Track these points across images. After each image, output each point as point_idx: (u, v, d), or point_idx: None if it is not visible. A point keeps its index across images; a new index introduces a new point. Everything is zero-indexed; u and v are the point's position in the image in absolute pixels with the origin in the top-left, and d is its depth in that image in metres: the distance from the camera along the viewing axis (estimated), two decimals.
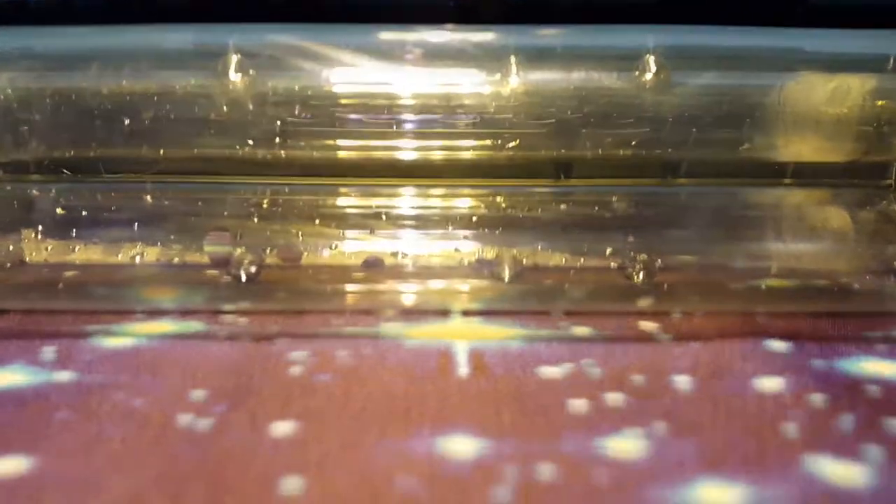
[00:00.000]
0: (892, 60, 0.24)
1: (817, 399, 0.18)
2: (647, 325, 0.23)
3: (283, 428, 0.16)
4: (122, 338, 0.21)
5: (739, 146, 0.24)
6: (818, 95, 0.24)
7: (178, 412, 0.17)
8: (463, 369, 0.19)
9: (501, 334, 0.22)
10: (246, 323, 0.23)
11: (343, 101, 0.24)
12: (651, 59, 0.23)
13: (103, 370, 0.19)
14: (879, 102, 0.24)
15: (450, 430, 0.16)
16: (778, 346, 0.21)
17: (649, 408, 0.17)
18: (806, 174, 0.25)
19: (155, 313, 0.23)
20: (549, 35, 0.25)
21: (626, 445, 0.16)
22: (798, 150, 0.24)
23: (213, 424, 0.16)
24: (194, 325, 0.22)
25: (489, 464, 0.15)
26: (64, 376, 0.19)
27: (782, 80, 0.24)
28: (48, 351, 0.20)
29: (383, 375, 0.19)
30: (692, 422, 0.16)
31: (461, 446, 0.15)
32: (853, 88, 0.24)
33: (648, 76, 0.23)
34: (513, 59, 0.23)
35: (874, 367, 0.20)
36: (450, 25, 0.24)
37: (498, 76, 0.23)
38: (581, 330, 0.22)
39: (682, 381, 0.19)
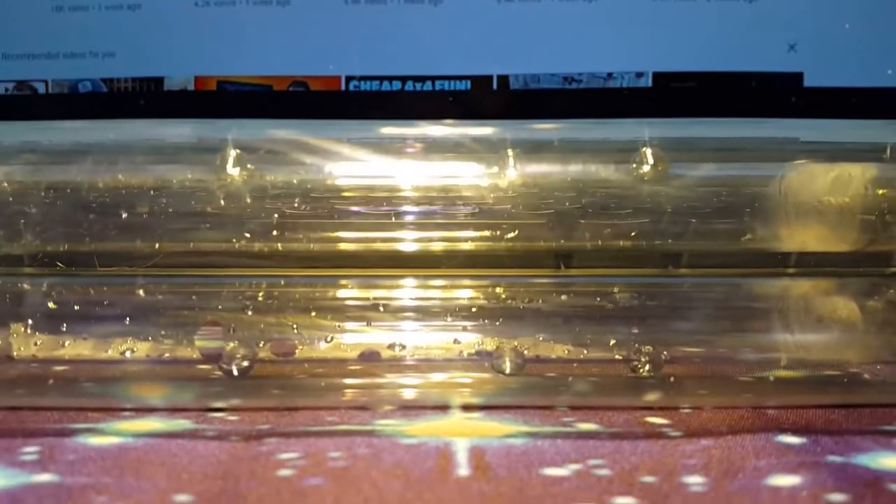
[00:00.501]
0: (888, 150, 0.24)
1: (837, 499, 0.17)
2: (656, 420, 0.22)
3: None
4: (108, 437, 0.21)
5: (741, 237, 0.24)
6: (819, 185, 0.24)
7: None
8: (463, 470, 0.18)
9: (503, 431, 0.21)
10: (236, 420, 0.22)
11: (343, 194, 0.24)
12: (648, 151, 0.23)
13: (86, 472, 0.18)
14: (881, 191, 0.24)
15: None
16: (791, 440, 0.20)
17: None
18: (810, 264, 0.25)
19: (143, 411, 0.23)
20: (545, 129, 0.25)
21: None
22: (801, 240, 0.24)
23: None
24: (182, 423, 0.22)
25: None
26: (44, 478, 0.18)
27: (782, 171, 0.24)
28: (30, 451, 0.19)
29: (378, 478, 0.18)
30: None
31: None
32: (854, 178, 0.24)
33: (646, 168, 0.23)
34: (510, 151, 0.24)
35: (894, 463, 0.19)
36: (449, 120, 0.25)
37: (496, 168, 0.24)
38: (587, 426, 0.22)
39: (695, 482, 0.18)
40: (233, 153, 0.23)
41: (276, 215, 0.24)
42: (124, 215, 0.24)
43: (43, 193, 0.24)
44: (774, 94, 0.34)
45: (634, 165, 0.23)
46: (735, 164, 0.25)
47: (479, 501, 0.17)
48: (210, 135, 0.24)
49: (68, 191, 0.24)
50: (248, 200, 0.24)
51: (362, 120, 0.25)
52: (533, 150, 0.24)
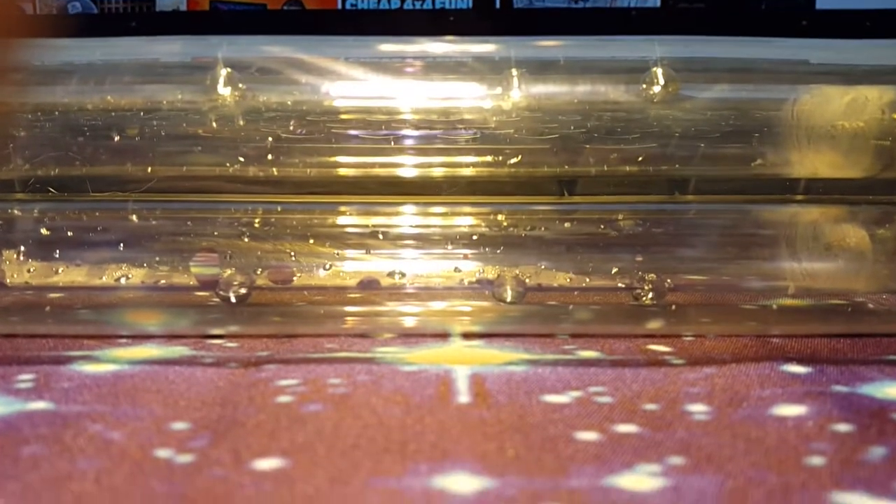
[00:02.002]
0: None
1: (843, 429, 0.17)
2: (658, 348, 0.22)
3: (268, 464, 0.15)
4: (104, 364, 0.20)
5: (751, 162, 0.23)
6: (833, 109, 0.23)
7: (158, 446, 0.16)
8: (463, 397, 0.18)
9: (504, 358, 0.21)
10: (234, 347, 0.22)
11: (340, 116, 0.23)
12: (658, 71, 0.22)
13: (81, 399, 0.18)
14: None
15: (449, 465, 0.15)
16: (796, 369, 0.20)
17: (663, 440, 0.16)
18: (821, 190, 0.24)
19: (140, 338, 0.22)
20: (551, 46, 0.24)
21: (639, 483, 0.14)
22: (812, 165, 0.23)
23: (193, 460, 0.15)
24: (180, 350, 0.21)
25: None
26: (39, 406, 0.18)
27: (795, 93, 0.23)
28: (25, 378, 0.19)
29: (378, 405, 0.17)
30: (710, 455, 0.15)
31: (461, 484, 0.14)
32: (870, 101, 0.23)
33: (656, 89, 0.22)
34: (514, 71, 0.23)
35: None
36: (450, 37, 0.23)
37: (499, 89, 0.23)
38: (588, 353, 0.21)
39: (698, 410, 0.17)
40: (224, 72, 0.22)
41: (270, 139, 0.23)
42: (115, 138, 0.23)
43: (30, 116, 0.23)
44: (785, 16, 0.33)
45: (644, 86, 0.23)
46: (747, 86, 0.24)
47: (480, 428, 0.16)
48: (200, 52, 0.23)
49: (56, 113, 0.23)
50: (241, 123, 0.23)
51: (359, 36, 0.24)
52: (538, 69, 0.23)
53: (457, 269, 0.23)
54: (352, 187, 0.24)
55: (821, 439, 0.16)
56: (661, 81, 0.23)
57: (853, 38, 0.25)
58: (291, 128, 0.23)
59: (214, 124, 0.23)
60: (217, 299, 0.23)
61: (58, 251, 0.23)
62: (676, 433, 0.16)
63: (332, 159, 0.23)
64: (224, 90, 0.22)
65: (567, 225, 0.24)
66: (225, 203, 0.24)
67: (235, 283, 0.23)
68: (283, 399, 0.18)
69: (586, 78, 0.23)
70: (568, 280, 0.23)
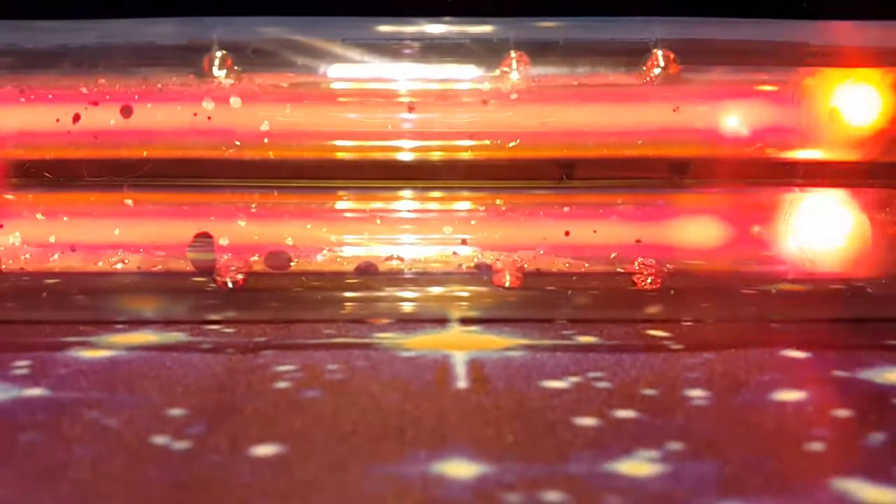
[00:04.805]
0: None
1: (843, 414, 0.17)
2: (657, 333, 0.22)
3: (265, 451, 0.15)
4: (101, 350, 0.20)
5: (750, 145, 0.23)
6: (832, 91, 0.23)
7: (155, 433, 0.16)
8: (461, 382, 0.18)
9: (502, 344, 0.21)
10: (232, 333, 0.22)
11: (337, 99, 0.23)
12: (658, 52, 0.22)
13: (78, 386, 0.18)
14: None
15: (447, 451, 0.15)
16: (796, 354, 0.20)
17: (662, 426, 0.16)
18: (821, 174, 0.24)
19: (136, 324, 0.22)
20: (551, 28, 0.24)
21: (638, 469, 0.14)
22: (812, 149, 0.23)
23: (190, 447, 0.15)
24: (177, 336, 0.21)
25: (490, 490, 0.14)
26: (35, 392, 0.18)
27: (796, 75, 0.23)
28: (21, 365, 0.19)
29: (376, 390, 0.17)
30: (709, 441, 0.15)
31: (459, 470, 0.14)
32: (869, 84, 0.23)
33: (656, 71, 0.22)
34: (513, 53, 0.22)
35: None
36: (448, 18, 0.23)
37: (497, 71, 0.22)
38: (587, 339, 0.21)
39: (697, 395, 0.17)
40: (219, 54, 0.22)
41: (266, 122, 0.23)
42: (110, 122, 0.23)
43: (23, 99, 0.23)
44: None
45: (644, 68, 0.22)
46: (747, 68, 0.23)
47: (478, 413, 0.16)
48: (195, 34, 0.23)
49: (50, 96, 0.23)
50: (237, 106, 0.23)
51: (356, 16, 0.24)
52: (537, 51, 0.23)
53: (455, 254, 0.23)
54: (349, 171, 0.24)
55: (821, 425, 0.16)
56: (662, 63, 0.22)
57: (848, 16, 0.24)
58: (288, 111, 0.23)
59: (209, 107, 0.22)
60: (214, 285, 0.23)
61: (53, 237, 0.23)
62: (675, 419, 0.16)
63: (329, 143, 0.23)
64: (219, 72, 0.22)
65: (566, 209, 0.24)
66: (221, 187, 0.24)
67: (232, 268, 0.23)
68: (281, 385, 0.18)
69: (586, 59, 0.23)
70: (566, 265, 0.23)
